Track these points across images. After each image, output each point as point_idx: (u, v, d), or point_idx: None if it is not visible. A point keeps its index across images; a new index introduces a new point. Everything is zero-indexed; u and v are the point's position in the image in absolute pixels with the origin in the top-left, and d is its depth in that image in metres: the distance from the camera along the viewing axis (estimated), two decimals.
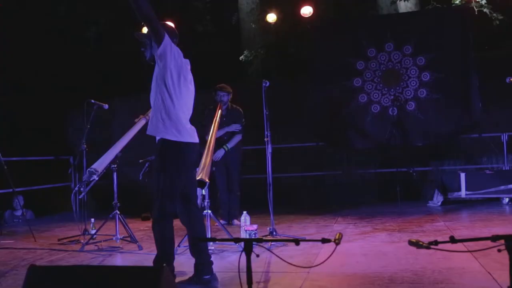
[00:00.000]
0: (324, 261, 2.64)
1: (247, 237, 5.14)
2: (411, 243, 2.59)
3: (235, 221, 6.73)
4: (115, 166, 5.57)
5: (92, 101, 6.08)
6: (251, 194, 7.28)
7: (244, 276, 2.48)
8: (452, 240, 2.48)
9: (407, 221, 6.63)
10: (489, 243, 2.37)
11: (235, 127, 6.70)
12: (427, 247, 2.47)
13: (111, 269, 2.83)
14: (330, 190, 9.16)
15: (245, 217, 5.57)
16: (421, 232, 5.84)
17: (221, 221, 6.86)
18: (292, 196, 9.05)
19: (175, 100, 3.73)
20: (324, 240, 2.56)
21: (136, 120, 5.87)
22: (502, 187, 7.83)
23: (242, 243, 2.51)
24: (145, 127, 5.87)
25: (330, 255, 2.54)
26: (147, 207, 7.97)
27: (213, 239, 3.07)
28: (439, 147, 8.86)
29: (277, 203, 7.94)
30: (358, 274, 4.12)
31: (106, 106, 6.18)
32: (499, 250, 2.44)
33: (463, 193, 7.97)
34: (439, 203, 8.01)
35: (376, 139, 8.52)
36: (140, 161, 5.56)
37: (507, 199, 7.82)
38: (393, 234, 5.78)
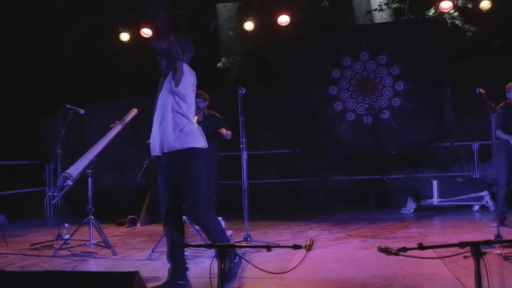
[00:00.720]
0: (295, 267, 2.69)
1: None
2: (380, 249, 2.66)
3: None
4: (90, 171, 5.54)
5: (68, 106, 6.04)
6: (227, 200, 7.28)
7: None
8: (420, 247, 2.55)
9: (380, 228, 6.73)
10: (457, 249, 2.44)
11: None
12: (396, 254, 2.54)
13: (82, 275, 2.82)
14: (306, 197, 9.24)
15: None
16: (393, 238, 5.94)
17: (196, 226, 6.86)
18: (268, 202, 9.10)
19: (190, 114, 4.02)
20: (296, 247, 2.60)
21: (112, 125, 5.87)
22: (473, 195, 8.01)
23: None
24: (121, 132, 5.91)
25: (301, 262, 2.59)
26: (123, 212, 7.96)
27: (187, 245, 3.09)
28: (412, 155, 9.01)
29: (253, 209, 7.95)
30: (331, 279, 4.18)
31: (81, 111, 6.14)
32: (465, 257, 2.52)
33: (435, 200, 8.13)
34: (412, 210, 8.15)
35: (351, 147, 8.64)
36: (144, 162, 5.59)
37: (477, 206, 7.99)
38: (366, 240, 5.87)
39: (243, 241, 5.54)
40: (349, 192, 9.24)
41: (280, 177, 9.46)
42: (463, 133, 8.59)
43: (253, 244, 5.42)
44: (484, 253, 2.46)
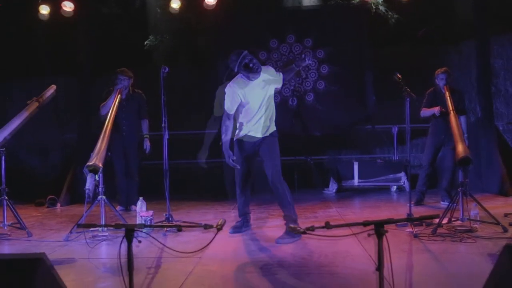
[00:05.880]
0: (205, 247, 2.71)
1: (142, 222, 5.13)
2: (290, 229, 2.74)
3: (133, 207, 6.65)
4: (4, 149, 5.29)
5: None
6: (152, 180, 7.22)
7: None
8: (327, 225, 2.65)
9: (302, 208, 6.88)
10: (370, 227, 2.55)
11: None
12: (304, 233, 2.62)
13: None
14: (232, 178, 9.24)
15: (141, 203, 5.54)
16: (313, 218, 6.10)
17: (118, 207, 6.77)
18: (195, 183, 9.07)
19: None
20: (206, 226, 2.63)
21: (28, 102, 5.65)
22: (391, 176, 8.38)
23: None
24: (41, 110, 5.70)
25: (211, 241, 2.61)
26: (43, 192, 7.69)
27: (94, 225, 3.04)
28: (336, 137, 9.21)
29: (178, 189, 7.92)
30: (249, 259, 4.24)
31: None
32: (369, 235, 2.63)
33: (355, 181, 8.43)
34: (334, 191, 8.40)
35: (277, 128, 8.70)
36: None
37: (395, 187, 8.36)
38: None
39: (165, 221, 5.52)
40: None
41: (208, 158, 9.41)
42: (384, 117, 8.87)
43: (163, 224, 5.39)
44: (386, 231, 2.58)
